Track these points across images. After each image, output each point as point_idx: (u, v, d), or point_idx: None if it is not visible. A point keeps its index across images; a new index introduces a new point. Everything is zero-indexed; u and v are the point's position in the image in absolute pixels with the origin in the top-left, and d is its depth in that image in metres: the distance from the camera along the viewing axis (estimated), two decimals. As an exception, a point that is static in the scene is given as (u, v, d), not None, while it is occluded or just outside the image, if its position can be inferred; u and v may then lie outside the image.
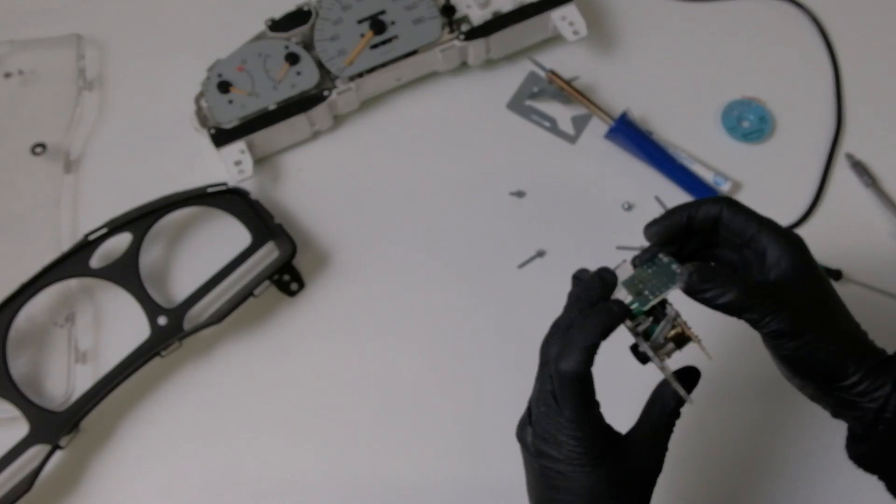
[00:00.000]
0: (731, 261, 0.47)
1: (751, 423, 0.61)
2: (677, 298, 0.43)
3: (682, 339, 0.43)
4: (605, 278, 0.43)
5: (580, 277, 0.46)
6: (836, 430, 0.45)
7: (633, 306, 0.43)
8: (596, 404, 0.42)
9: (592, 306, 0.42)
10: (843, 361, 0.41)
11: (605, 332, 0.41)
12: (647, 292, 0.43)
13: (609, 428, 0.42)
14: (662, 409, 0.43)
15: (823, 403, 0.45)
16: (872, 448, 0.42)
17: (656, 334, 0.42)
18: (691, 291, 0.42)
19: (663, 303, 0.43)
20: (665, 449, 0.43)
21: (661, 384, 0.43)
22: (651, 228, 0.45)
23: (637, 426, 0.43)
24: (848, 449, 0.44)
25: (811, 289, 0.43)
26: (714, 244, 0.47)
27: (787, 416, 0.61)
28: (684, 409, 0.43)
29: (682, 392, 0.42)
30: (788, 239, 0.43)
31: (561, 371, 0.40)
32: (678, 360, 0.43)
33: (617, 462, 0.41)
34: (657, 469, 0.43)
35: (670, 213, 0.45)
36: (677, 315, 0.43)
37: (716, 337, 0.44)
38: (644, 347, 0.42)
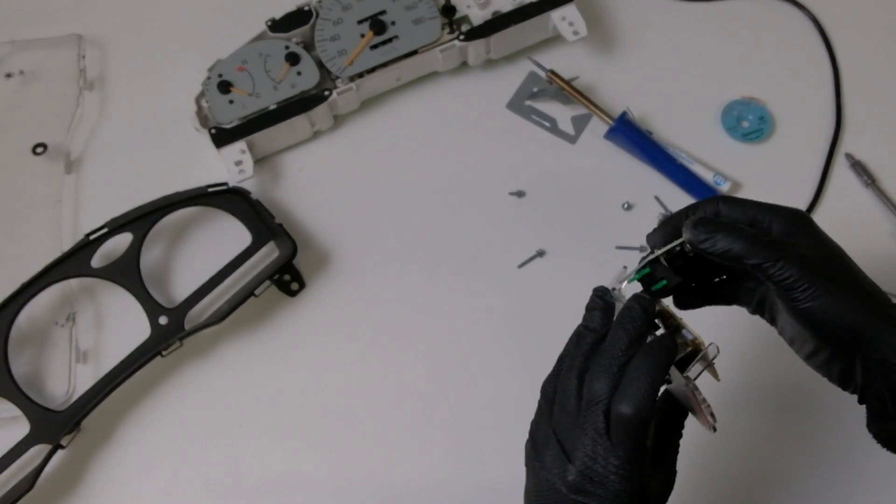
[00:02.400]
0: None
1: (755, 436, 0.61)
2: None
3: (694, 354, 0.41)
4: (647, 307, 0.40)
5: (604, 299, 0.42)
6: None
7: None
8: (647, 449, 0.39)
9: (641, 339, 0.39)
10: (869, 317, 0.39)
11: (666, 372, 0.38)
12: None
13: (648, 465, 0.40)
14: (664, 430, 0.41)
15: (838, 375, 0.42)
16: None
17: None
18: (695, 241, 0.40)
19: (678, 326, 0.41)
20: (673, 468, 0.41)
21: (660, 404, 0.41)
22: (654, 236, 0.44)
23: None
24: (870, 427, 0.41)
25: (825, 249, 0.41)
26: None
27: (791, 429, 0.61)
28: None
29: (710, 421, 0.39)
30: (793, 213, 0.42)
31: (622, 414, 0.37)
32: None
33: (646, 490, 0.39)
34: (669, 489, 0.41)
35: (670, 219, 0.44)
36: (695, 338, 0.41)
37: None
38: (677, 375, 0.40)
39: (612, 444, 0.38)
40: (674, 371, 0.40)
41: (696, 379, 0.40)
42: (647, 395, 0.37)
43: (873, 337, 0.39)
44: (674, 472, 0.42)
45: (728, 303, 0.46)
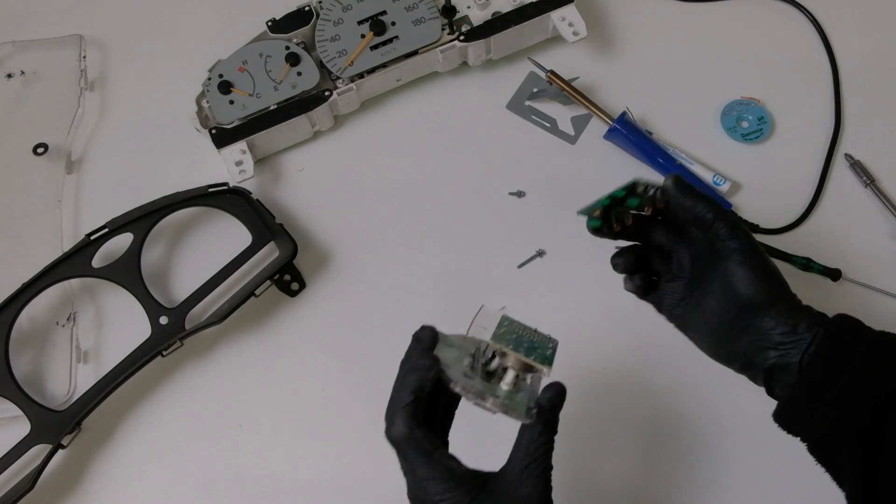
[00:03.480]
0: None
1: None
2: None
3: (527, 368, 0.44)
4: (420, 338, 0.45)
5: (418, 337, 0.46)
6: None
7: None
8: (444, 455, 0.42)
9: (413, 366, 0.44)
10: (776, 285, 0.46)
11: (419, 389, 0.42)
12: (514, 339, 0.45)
13: (472, 471, 0.43)
14: (530, 438, 0.42)
15: (736, 351, 0.47)
16: (792, 406, 0.45)
17: (487, 365, 0.44)
18: (674, 186, 0.47)
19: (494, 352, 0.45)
20: (543, 476, 0.42)
21: (525, 425, 0.43)
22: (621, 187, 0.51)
23: (509, 459, 0.43)
24: (774, 416, 0.46)
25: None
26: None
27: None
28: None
29: (519, 415, 0.42)
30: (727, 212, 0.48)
31: (392, 439, 0.42)
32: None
33: (490, 500, 0.41)
34: (541, 500, 0.42)
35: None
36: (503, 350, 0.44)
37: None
38: (462, 385, 0.43)
39: (411, 469, 0.42)
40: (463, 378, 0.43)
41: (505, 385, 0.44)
42: (400, 414, 0.42)
43: (778, 308, 0.45)
44: (539, 482, 0.43)
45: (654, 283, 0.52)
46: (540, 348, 0.44)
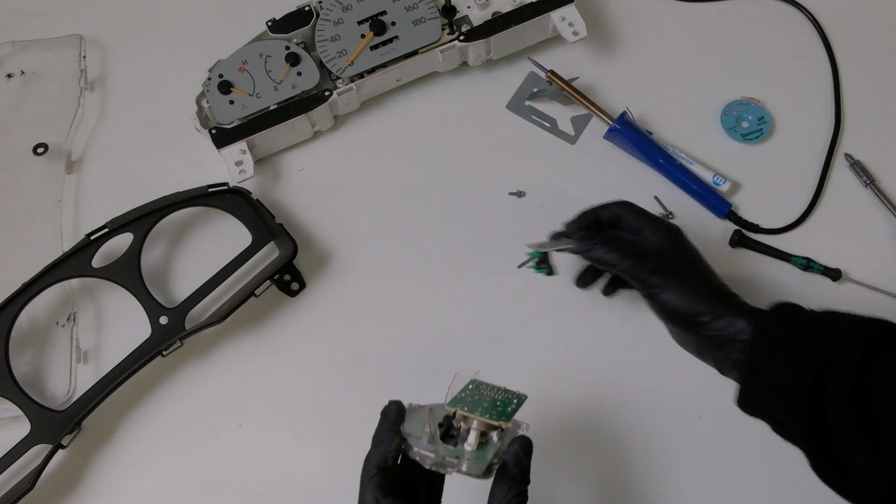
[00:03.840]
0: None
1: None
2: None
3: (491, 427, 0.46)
4: (387, 413, 0.48)
5: (385, 412, 0.49)
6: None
7: None
8: None
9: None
10: (700, 302, 0.50)
11: (382, 463, 0.46)
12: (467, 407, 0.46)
13: None
14: (500, 493, 0.44)
15: (700, 352, 0.53)
16: (747, 390, 0.49)
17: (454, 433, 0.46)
18: (579, 249, 0.55)
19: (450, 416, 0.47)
20: None
21: (495, 481, 0.44)
22: (571, 224, 0.59)
23: None
24: (736, 400, 0.50)
25: (685, 255, 0.54)
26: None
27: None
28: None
29: (473, 471, 0.44)
30: (668, 227, 0.55)
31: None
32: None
33: None
34: None
35: (586, 213, 0.59)
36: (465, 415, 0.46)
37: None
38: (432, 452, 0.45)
39: None
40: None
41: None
42: (368, 483, 0.45)
43: (709, 318, 0.50)
44: None
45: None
46: (502, 405, 0.46)
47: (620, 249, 0.53)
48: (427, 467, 0.45)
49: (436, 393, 0.49)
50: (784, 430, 0.49)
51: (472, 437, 0.45)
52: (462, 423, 0.46)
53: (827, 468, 0.46)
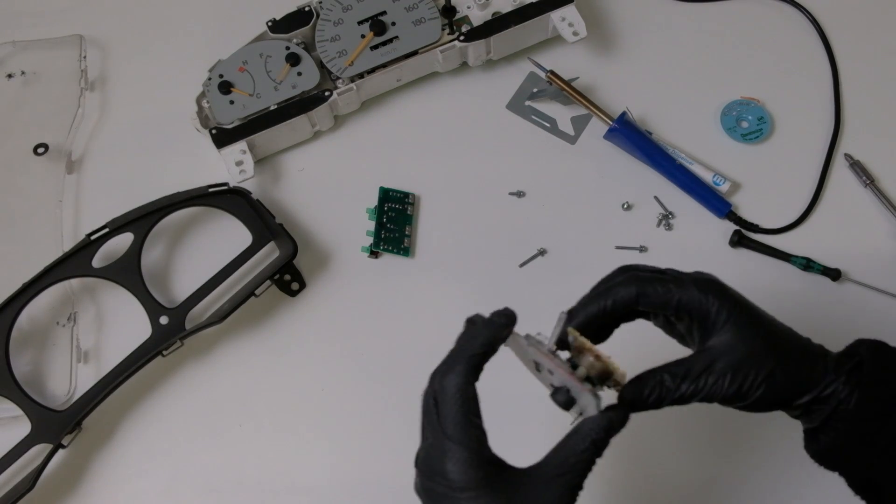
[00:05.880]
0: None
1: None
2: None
3: (605, 374, 0.41)
4: (499, 313, 0.42)
5: (473, 321, 0.43)
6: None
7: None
8: (480, 427, 0.39)
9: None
10: (795, 388, 0.42)
11: (489, 343, 0.40)
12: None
13: (497, 458, 0.40)
14: (572, 449, 0.39)
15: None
16: (831, 443, 0.42)
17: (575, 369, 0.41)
18: (635, 407, 0.42)
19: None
20: (571, 492, 0.39)
21: (579, 424, 0.40)
22: (573, 321, 0.45)
23: (542, 462, 0.40)
24: (807, 448, 0.44)
25: (733, 307, 0.43)
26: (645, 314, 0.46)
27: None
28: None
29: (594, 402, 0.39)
30: (703, 282, 0.43)
31: (443, 385, 0.39)
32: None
33: (507, 495, 0.38)
34: None
35: (586, 303, 0.45)
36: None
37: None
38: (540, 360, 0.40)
39: (440, 424, 0.39)
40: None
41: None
42: (463, 362, 0.39)
43: (797, 398, 0.42)
44: (566, 494, 0.39)
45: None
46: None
47: (686, 374, 0.42)
48: (535, 368, 0.40)
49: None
50: (867, 487, 0.43)
51: (581, 372, 0.40)
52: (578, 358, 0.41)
53: None
